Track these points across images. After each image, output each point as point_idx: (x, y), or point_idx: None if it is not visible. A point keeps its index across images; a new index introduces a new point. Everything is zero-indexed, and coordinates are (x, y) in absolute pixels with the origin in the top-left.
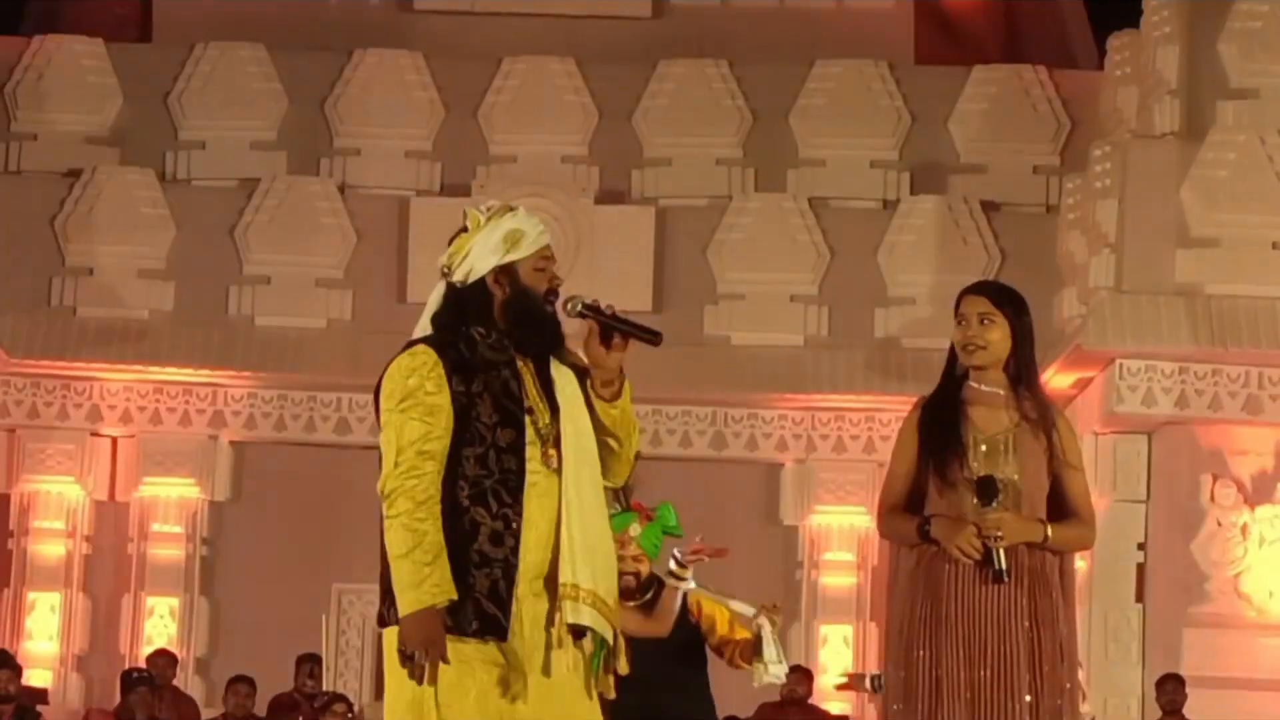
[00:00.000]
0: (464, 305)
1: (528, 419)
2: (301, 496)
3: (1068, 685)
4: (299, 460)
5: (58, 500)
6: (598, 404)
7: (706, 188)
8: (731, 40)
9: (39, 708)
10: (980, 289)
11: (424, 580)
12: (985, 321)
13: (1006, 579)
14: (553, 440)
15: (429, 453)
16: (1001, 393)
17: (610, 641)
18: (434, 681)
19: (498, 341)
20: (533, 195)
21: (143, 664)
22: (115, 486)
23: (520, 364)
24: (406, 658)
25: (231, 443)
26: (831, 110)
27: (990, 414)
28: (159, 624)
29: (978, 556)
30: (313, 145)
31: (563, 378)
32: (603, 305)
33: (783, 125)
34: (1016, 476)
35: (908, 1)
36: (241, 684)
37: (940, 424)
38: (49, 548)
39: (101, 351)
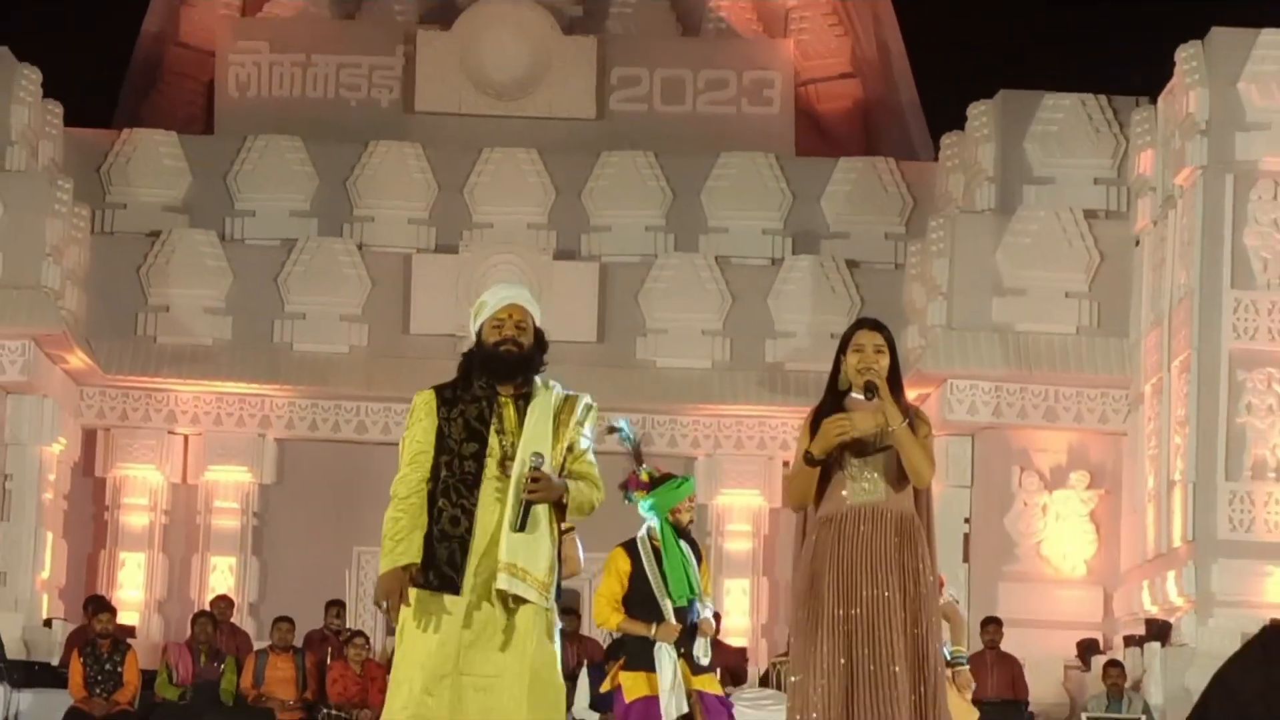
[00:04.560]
0: (469, 363)
1: (496, 437)
2: (329, 480)
3: (931, 618)
4: (327, 453)
5: (142, 483)
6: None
7: (638, 248)
8: (657, 137)
9: (129, 640)
10: (875, 326)
11: (391, 551)
12: (878, 351)
13: (872, 393)
14: (511, 455)
15: (416, 463)
16: (875, 399)
17: (537, 601)
18: (395, 621)
19: (484, 383)
20: (505, 253)
21: (208, 607)
22: (187, 472)
23: (503, 399)
24: (376, 603)
25: (276, 439)
26: (732, 190)
27: (866, 416)
28: (220, 577)
29: (846, 425)
30: (337, 214)
31: (536, 413)
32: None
33: (696, 202)
34: (883, 456)
35: (790, 109)
36: (284, 622)
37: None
38: (136, 519)
39: (175, 370)
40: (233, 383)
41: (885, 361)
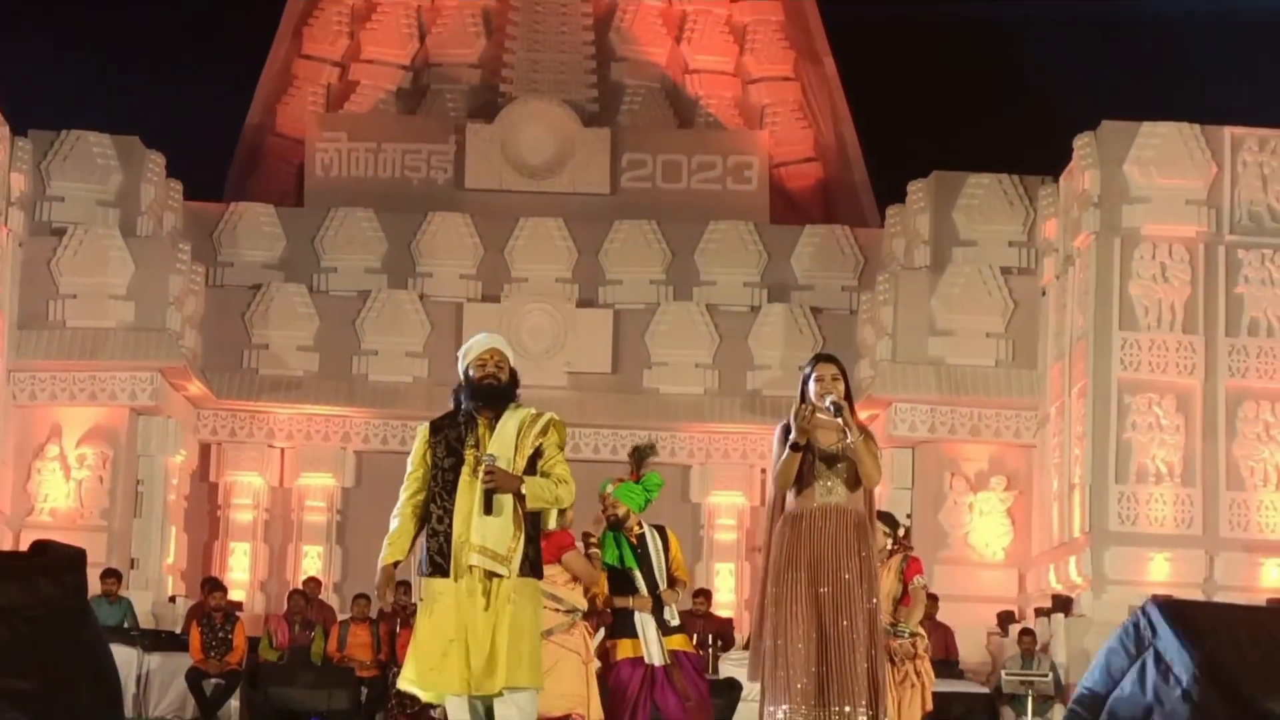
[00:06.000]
0: (458, 396)
1: (470, 451)
2: (398, 484)
3: (877, 595)
4: (396, 463)
5: (248, 486)
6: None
7: (645, 298)
8: (659, 209)
9: (238, 613)
10: (830, 359)
11: (382, 552)
12: (835, 379)
13: (838, 412)
14: (482, 462)
15: (413, 479)
16: (840, 417)
17: (498, 572)
18: (387, 605)
19: (466, 410)
20: (537, 302)
21: (301, 586)
22: (283, 478)
23: (480, 420)
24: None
25: (355, 452)
26: (719, 251)
27: (826, 433)
28: (310, 562)
29: (820, 404)
30: (403, 271)
31: (501, 428)
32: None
33: (690, 261)
34: (844, 466)
35: (765, 186)
36: (362, 599)
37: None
38: (243, 515)
39: (273, 395)
40: (320, 406)
41: (841, 387)
